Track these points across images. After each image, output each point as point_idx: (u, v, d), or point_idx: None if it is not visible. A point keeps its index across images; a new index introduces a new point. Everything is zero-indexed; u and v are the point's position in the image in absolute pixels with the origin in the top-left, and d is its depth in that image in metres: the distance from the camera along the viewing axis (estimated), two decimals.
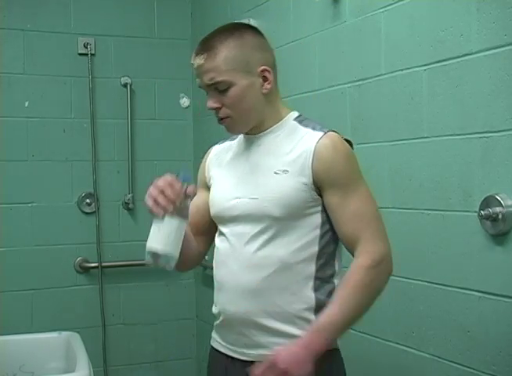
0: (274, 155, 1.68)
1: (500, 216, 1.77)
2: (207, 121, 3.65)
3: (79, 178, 3.56)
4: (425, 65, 2.04)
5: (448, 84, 1.96)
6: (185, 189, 1.60)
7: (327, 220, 1.66)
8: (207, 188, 1.84)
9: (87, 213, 3.58)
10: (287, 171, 1.64)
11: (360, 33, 2.33)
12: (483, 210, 1.80)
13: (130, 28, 3.67)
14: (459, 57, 1.92)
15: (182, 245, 1.62)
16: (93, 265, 3.57)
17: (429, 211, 2.05)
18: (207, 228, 1.83)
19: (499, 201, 1.78)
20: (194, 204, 1.80)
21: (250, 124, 1.71)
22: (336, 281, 1.69)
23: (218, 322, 1.77)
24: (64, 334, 2.99)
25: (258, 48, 1.69)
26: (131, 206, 3.63)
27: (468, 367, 1.91)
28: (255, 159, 1.71)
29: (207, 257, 3.87)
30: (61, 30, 3.53)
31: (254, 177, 1.69)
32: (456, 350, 1.96)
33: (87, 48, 3.54)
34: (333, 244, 1.68)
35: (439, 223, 2.01)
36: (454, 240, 1.96)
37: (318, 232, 1.66)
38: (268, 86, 1.68)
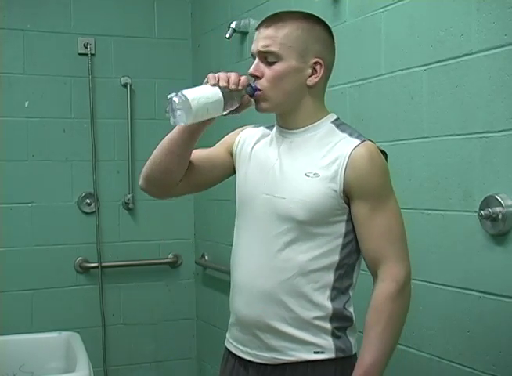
0: (307, 156, 1.64)
1: (500, 216, 1.77)
2: None
3: (79, 178, 3.56)
4: (425, 65, 2.04)
5: (448, 84, 1.96)
6: (247, 93, 1.62)
7: (351, 230, 1.63)
8: (228, 152, 1.81)
9: (87, 213, 3.58)
10: (318, 175, 1.60)
11: (360, 33, 2.33)
12: (483, 210, 1.80)
13: (130, 28, 3.67)
14: (459, 57, 1.92)
15: (176, 153, 1.67)
16: (93, 265, 3.57)
17: (429, 211, 2.05)
18: (199, 176, 1.79)
19: (499, 201, 1.78)
20: (207, 150, 1.82)
21: (279, 107, 1.67)
22: (351, 293, 1.67)
23: (231, 321, 1.75)
24: (64, 334, 2.99)
25: (322, 42, 1.66)
26: (131, 206, 3.63)
27: (468, 367, 1.91)
28: (287, 157, 1.67)
29: (207, 257, 3.87)
30: (61, 30, 3.53)
31: (283, 176, 1.65)
32: (456, 350, 1.96)
33: (87, 48, 3.54)
34: (354, 255, 1.65)
35: (439, 223, 2.01)
36: (454, 240, 1.96)
37: (340, 241, 1.62)
38: (315, 80, 1.64)
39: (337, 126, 1.67)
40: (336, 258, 1.62)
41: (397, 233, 1.62)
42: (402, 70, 2.14)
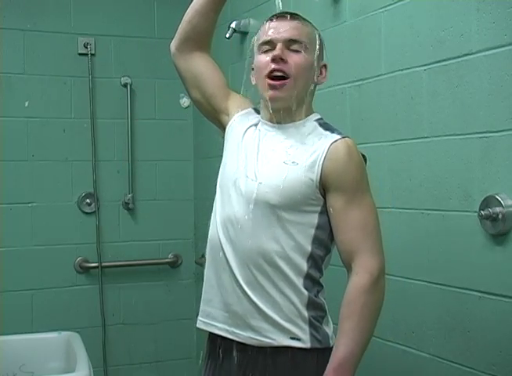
0: (287, 146, 1.69)
1: (500, 216, 1.77)
2: (207, 121, 3.65)
3: (79, 178, 3.56)
4: (425, 65, 2.04)
5: (448, 84, 1.96)
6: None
7: (325, 224, 1.66)
8: (233, 100, 1.87)
9: (87, 213, 3.58)
10: (297, 163, 1.64)
11: (360, 33, 2.33)
12: (483, 210, 1.81)
13: (130, 28, 3.67)
14: (459, 57, 1.92)
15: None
16: (93, 265, 3.57)
17: (429, 211, 2.05)
18: (201, 64, 1.90)
19: (499, 201, 1.78)
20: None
21: (294, 100, 1.69)
22: (323, 284, 1.69)
23: (208, 309, 1.74)
24: (64, 334, 3.00)
25: (325, 50, 1.78)
26: (131, 206, 3.63)
27: (468, 367, 1.91)
28: (267, 145, 1.72)
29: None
30: (61, 30, 3.53)
31: (261, 161, 1.69)
32: (456, 350, 1.96)
33: (87, 48, 3.54)
34: (325, 249, 1.68)
35: (439, 223, 2.01)
36: (454, 240, 1.96)
37: (312, 232, 1.65)
38: (323, 80, 1.75)
39: (320, 125, 1.74)
40: (308, 248, 1.65)
41: (372, 227, 1.65)
42: (401, 70, 2.14)
